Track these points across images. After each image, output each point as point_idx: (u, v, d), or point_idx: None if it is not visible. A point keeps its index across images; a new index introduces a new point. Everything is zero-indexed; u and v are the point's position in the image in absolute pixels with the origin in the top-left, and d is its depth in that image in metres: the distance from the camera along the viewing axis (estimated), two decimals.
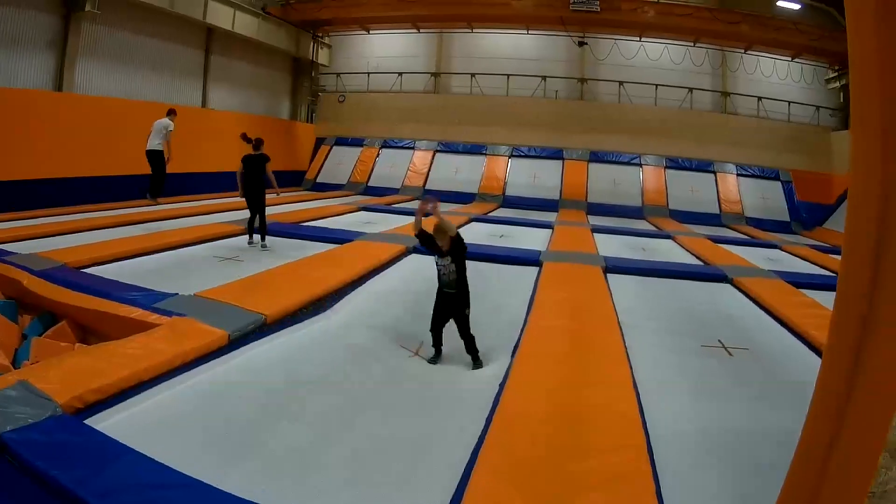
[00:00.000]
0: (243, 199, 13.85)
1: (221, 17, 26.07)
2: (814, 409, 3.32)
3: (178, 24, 24.61)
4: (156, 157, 17.17)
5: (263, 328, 8.04)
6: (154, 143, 17.12)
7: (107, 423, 5.19)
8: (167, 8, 22.93)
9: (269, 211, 14.82)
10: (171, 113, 17.67)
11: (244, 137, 14.14)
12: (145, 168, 18.00)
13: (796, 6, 28.16)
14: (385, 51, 34.45)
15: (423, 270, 11.90)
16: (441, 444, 5.27)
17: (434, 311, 7.85)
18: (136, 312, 7.96)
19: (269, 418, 5.59)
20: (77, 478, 4.10)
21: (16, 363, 8.16)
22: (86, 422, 5.10)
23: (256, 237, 13.84)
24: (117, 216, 16.56)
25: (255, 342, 7.69)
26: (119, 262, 11.30)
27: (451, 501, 4.26)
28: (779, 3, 28.19)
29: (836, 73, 29.74)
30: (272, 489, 4.33)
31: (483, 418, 5.56)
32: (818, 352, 7.98)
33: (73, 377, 5.61)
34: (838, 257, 16.37)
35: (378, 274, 11.75)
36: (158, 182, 17.69)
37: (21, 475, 4.27)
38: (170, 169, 18.11)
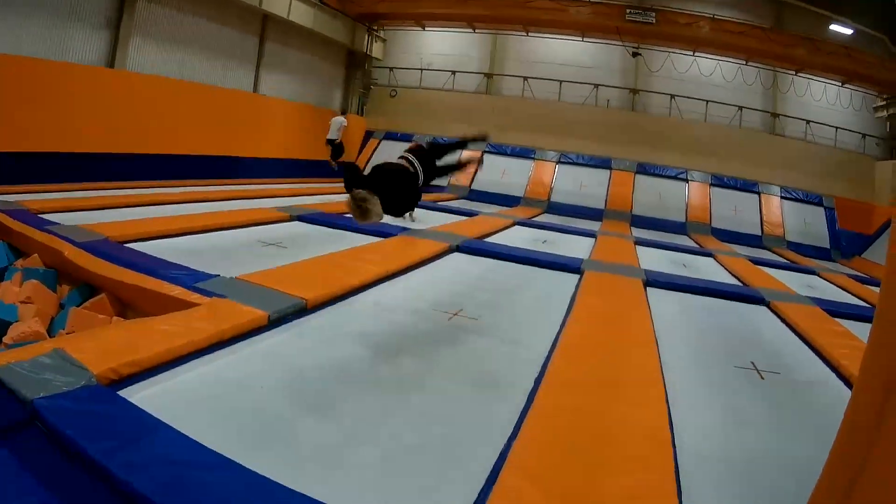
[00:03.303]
0: None
1: (278, 4, 26.07)
2: (839, 442, 3.32)
3: (234, 8, 24.69)
4: (335, 144, 23.54)
5: (303, 312, 8.07)
6: (333, 134, 23.36)
7: (140, 395, 5.21)
8: None
9: (315, 200, 17.86)
10: (344, 112, 24.68)
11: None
12: (196, 148, 21.35)
13: (849, 31, 27.99)
14: (439, 48, 34.52)
15: (466, 270, 11.94)
16: (470, 442, 5.24)
17: None
18: (176, 290, 8.01)
19: (300, 405, 5.58)
20: (105, 448, 4.10)
21: (52, 332, 8.33)
22: (119, 393, 5.13)
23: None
24: (163, 195, 16.66)
25: (292, 324, 7.69)
26: (162, 240, 11.36)
27: (476, 499, 4.26)
28: (832, 28, 28.05)
29: (884, 102, 29.41)
30: (297, 479, 4.25)
31: (515, 417, 5.56)
32: (848, 382, 7.96)
33: (109, 349, 5.65)
34: (875, 289, 16.29)
35: (418, 268, 11.73)
36: (338, 153, 24.10)
37: (52, 443, 4.29)
38: (218, 152, 22.18)
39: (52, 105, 16.71)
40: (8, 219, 11.24)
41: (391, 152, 27.54)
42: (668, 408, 6.07)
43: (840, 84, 29.73)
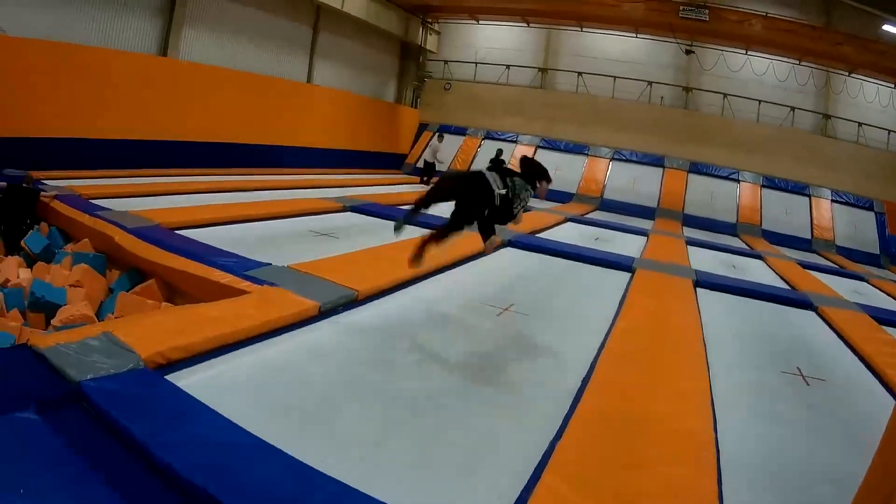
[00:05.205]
0: None
1: None
2: (879, 455, 3.28)
3: None
4: (430, 165, 25.77)
5: (354, 303, 8.08)
6: (428, 157, 25.70)
7: (187, 381, 5.25)
8: None
9: (369, 191, 18.41)
10: (441, 137, 27.27)
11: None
12: (249, 137, 21.99)
13: None
14: (493, 42, 34.37)
15: (517, 265, 11.95)
16: (514, 437, 5.24)
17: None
18: (226, 278, 8.08)
19: (347, 393, 5.60)
20: (149, 430, 4.15)
21: (100, 316, 8.43)
22: (166, 378, 5.16)
23: None
24: (214, 182, 16.83)
25: (342, 315, 7.72)
26: (212, 227, 11.46)
27: (517, 498, 4.23)
28: (884, 28, 27.72)
29: None
30: (336, 466, 4.25)
31: (560, 417, 5.52)
32: (893, 393, 7.88)
33: (157, 333, 5.69)
34: None
35: (470, 262, 11.76)
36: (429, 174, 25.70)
37: (96, 423, 4.34)
38: (274, 142, 23.23)
39: (105, 92, 16.85)
40: (59, 203, 11.40)
41: (444, 145, 27.72)
42: (713, 410, 6.04)
43: (893, 86, 29.16)
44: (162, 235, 9.85)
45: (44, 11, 15.94)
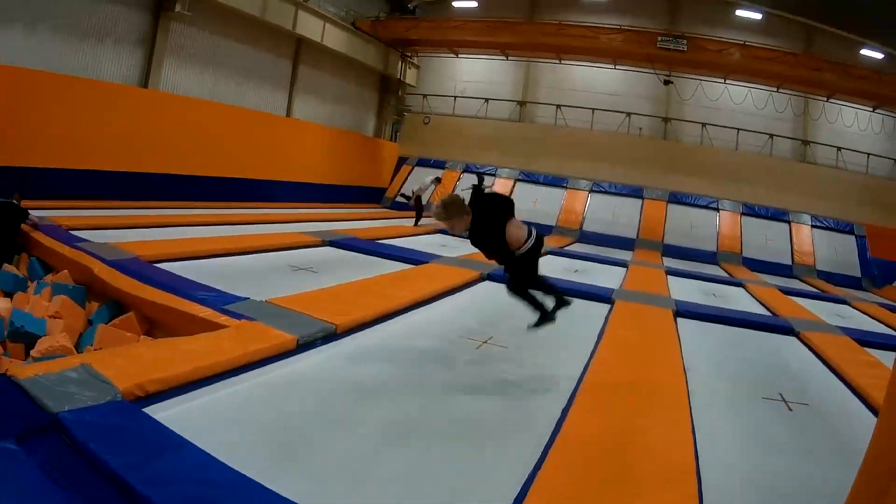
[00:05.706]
0: None
1: (311, 28, 26.43)
2: (864, 470, 3.29)
3: (268, 32, 25.04)
4: (418, 199, 25.24)
5: (333, 337, 8.03)
6: (416, 189, 25.72)
7: (165, 413, 5.21)
8: (258, 16, 23.38)
9: (348, 226, 17.79)
10: (437, 181, 26.03)
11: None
12: (229, 171, 21.99)
13: (880, 56, 27.87)
14: (472, 75, 34.78)
15: (496, 298, 11.90)
16: (495, 466, 5.21)
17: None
18: (205, 312, 8.03)
19: (327, 425, 5.57)
20: (127, 463, 4.11)
21: (79, 347, 8.41)
22: (144, 410, 5.12)
23: None
24: (194, 216, 16.84)
25: (320, 349, 7.67)
26: (192, 261, 11.44)
27: None
28: (862, 52, 27.95)
29: None
30: (318, 499, 4.29)
31: (541, 446, 5.48)
32: (876, 412, 7.87)
33: (135, 366, 5.67)
34: None
35: (449, 296, 11.73)
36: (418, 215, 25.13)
37: (74, 455, 4.28)
38: (254, 176, 23.17)
39: (85, 122, 16.94)
40: (39, 234, 11.46)
41: (423, 179, 27.94)
42: (695, 439, 6.02)
43: (871, 109, 29.57)
44: (141, 268, 9.87)
45: (25, 41, 16.09)
